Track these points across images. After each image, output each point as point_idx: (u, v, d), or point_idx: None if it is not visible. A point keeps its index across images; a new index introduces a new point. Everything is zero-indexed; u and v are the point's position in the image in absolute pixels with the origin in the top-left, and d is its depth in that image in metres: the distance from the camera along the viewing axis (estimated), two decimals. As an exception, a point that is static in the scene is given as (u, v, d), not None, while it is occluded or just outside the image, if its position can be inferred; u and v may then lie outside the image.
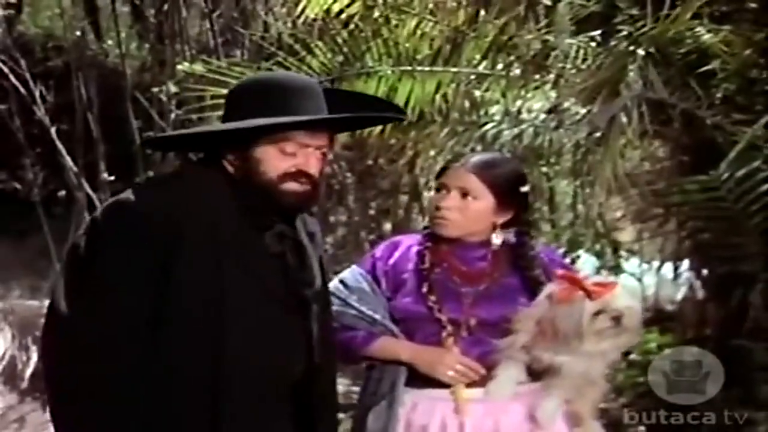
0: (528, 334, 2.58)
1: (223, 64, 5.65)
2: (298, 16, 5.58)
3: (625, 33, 4.83)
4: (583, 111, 5.12)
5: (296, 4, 5.49)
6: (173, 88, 7.30)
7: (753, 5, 5.02)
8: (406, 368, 2.63)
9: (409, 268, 2.69)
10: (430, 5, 5.44)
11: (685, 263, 6.75)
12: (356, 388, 3.03)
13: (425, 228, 2.78)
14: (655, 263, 7.81)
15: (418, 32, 5.30)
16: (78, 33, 8.46)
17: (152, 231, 2.11)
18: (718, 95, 4.87)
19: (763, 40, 4.85)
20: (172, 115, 7.37)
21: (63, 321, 2.11)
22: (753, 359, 4.88)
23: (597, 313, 2.52)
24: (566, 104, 5.35)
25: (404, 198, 8.25)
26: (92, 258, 2.13)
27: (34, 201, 7.77)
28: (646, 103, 4.51)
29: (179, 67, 6.84)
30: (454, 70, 5.22)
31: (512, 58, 5.26)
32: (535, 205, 6.41)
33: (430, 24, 5.33)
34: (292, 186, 2.21)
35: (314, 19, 5.53)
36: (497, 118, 5.41)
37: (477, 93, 5.44)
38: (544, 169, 6.19)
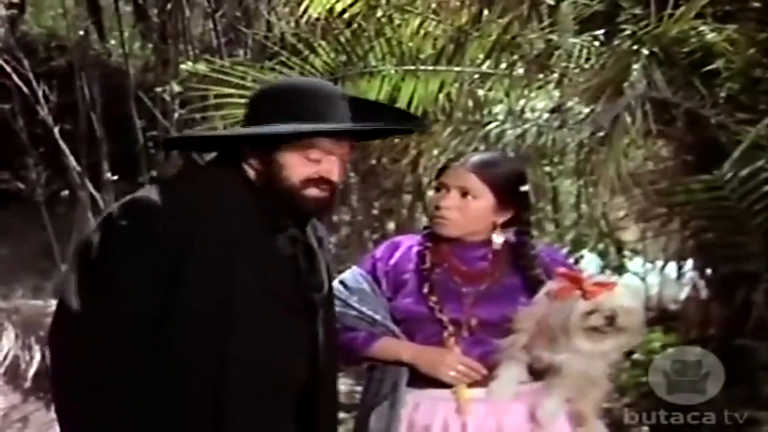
0: (529, 333, 2.57)
1: (226, 64, 5.66)
2: (301, 16, 5.57)
3: (628, 32, 4.83)
4: (587, 110, 5.12)
5: (299, 4, 5.50)
6: (176, 88, 7.32)
7: (757, 4, 5.00)
8: (408, 369, 2.63)
9: (409, 269, 2.69)
10: (433, 5, 5.45)
11: (689, 263, 6.72)
12: (359, 388, 3.03)
13: (425, 228, 2.77)
14: (659, 263, 7.79)
15: (422, 31, 5.31)
16: (81, 33, 8.49)
17: (164, 230, 2.12)
18: (722, 94, 4.86)
19: (767, 39, 4.84)
20: (176, 115, 7.39)
21: (73, 318, 2.11)
22: (756, 358, 4.87)
23: (590, 313, 2.51)
24: (570, 104, 5.35)
25: (407, 198, 8.23)
26: (104, 255, 2.13)
27: (37, 201, 7.78)
28: (650, 102, 4.51)
29: (182, 66, 6.86)
30: (458, 69, 5.22)
31: (515, 57, 5.27)
32: (539, 205, 6.41)
33: (434, 23, 5.34)
34: (313, 192, 2.22)
35: (317, 19, 5.52)
36: (500, 117, 5.42)
37: (480, 92, 5.44)
38: (548, 168, 6.20)
